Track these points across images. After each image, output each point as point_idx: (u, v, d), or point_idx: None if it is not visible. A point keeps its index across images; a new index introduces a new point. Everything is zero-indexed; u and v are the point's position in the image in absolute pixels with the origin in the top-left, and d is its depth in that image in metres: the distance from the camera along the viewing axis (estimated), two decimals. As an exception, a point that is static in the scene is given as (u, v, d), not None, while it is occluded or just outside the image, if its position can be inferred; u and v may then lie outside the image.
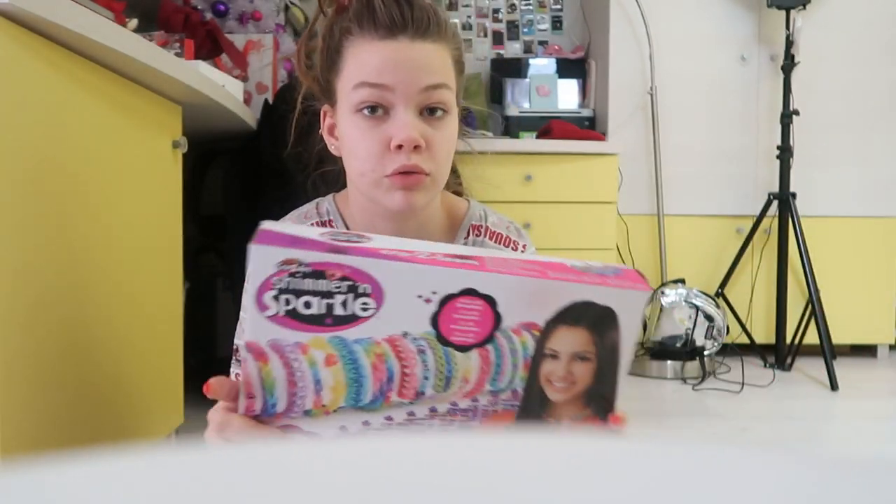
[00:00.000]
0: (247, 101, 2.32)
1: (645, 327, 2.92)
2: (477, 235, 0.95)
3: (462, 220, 0.95)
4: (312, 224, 0.95)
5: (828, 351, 2.58)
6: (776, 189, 2.87)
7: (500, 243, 0.95)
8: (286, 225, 0.61)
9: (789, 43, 2.81)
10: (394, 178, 0.81)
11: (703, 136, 3.03)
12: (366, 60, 0.82)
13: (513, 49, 3.51)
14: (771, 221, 2.91)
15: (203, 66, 1.72)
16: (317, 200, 0.98)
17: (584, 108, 3.19)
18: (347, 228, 0.92)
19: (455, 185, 1.06)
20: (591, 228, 2.82)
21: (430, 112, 0.83)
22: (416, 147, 0.81)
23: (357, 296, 0.57)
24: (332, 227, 0.93)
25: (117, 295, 1.30)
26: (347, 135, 0.85)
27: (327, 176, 0.99)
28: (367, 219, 0.90)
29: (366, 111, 0.82)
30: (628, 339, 0.61)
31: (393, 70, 0.81)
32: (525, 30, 3.51)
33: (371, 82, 0.81)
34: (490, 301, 0.58)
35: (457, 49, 0.88)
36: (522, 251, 0.96)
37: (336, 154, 0.91)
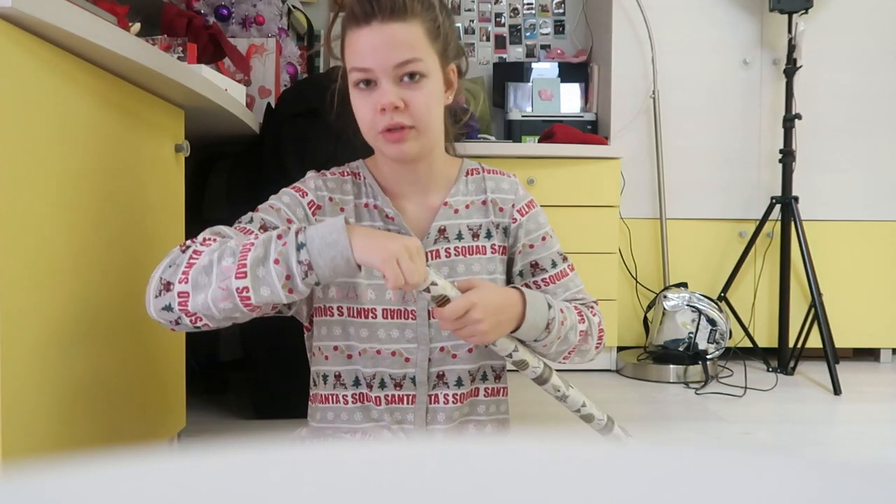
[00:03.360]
0: (249, 105, 2.32)
1: (647, 331, 2.92)
2: (476, 174, 1.19)
3: (458, 171, 1.18)
4: (339, 175, 1.16)
5: (831, 355, 2.58)
6: (779, 193, 2.87)
7: (495, 173, 1.20)
8: None
9: (791, 47, 2.81)
10: (384, 133, 1.04)
11: (705, 140, 3.03)
12: (353, 48, 1.04)
13: (515, 53, 3.52)
14: (773, 225, 2.91)
15: (206, 70, 1.72)
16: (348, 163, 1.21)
17: (587, 111, 3.19)
18: (374, 179, 1.15)
19: None
20: (593, 232, 2.82)
21: (409, 77, 1.03)
22: (396, 108, 1.01)
23: None
24: (357, 178, 1.15)
25: (119, 298, 1.31)
26: (353, 102, 1.08)
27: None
28: (388, 169, 1.13)
29: (361, 85, 1.05)
30: None
31: (371, 53, 1.01)
32: (527, 34, 3.52)
33: (358, 66, 1.03)
34: None
35: (430, 20, 1.05)
36: (515, 200, 1.18)
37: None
